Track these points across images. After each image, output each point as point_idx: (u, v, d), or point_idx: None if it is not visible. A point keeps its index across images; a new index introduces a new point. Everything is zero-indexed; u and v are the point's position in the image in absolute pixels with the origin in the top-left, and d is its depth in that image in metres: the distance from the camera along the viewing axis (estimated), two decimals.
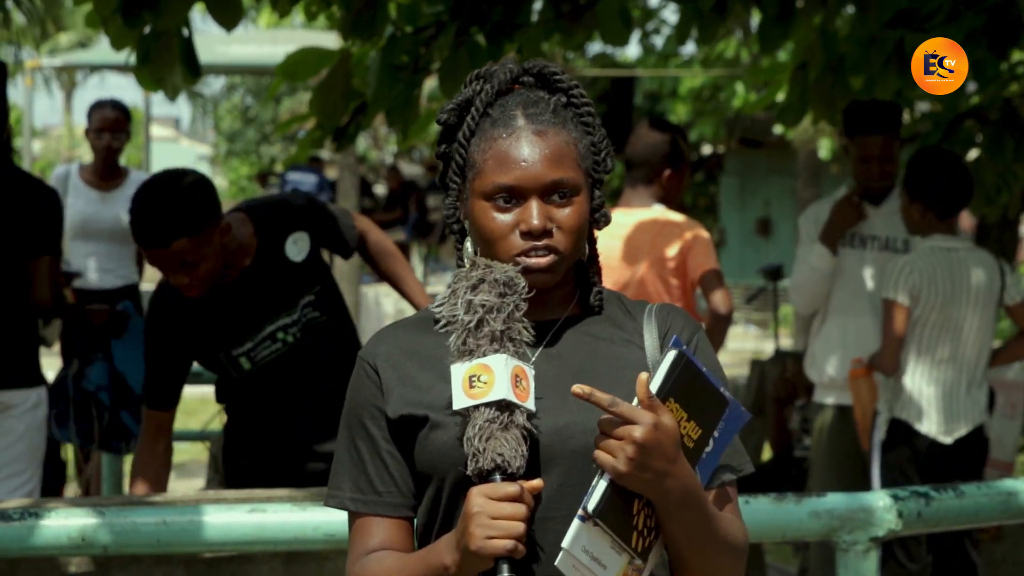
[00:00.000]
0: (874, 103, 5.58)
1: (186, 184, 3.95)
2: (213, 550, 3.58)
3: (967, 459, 5.19)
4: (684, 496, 1.97)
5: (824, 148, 18.30)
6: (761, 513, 3.55)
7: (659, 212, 5.11)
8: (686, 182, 5.25)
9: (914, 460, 5.18)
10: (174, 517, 3.44)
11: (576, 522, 1.94)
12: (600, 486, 1.94)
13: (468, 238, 2.14)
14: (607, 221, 2.16)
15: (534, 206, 2.06)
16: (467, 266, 2.06)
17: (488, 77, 2.14)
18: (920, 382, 5.20)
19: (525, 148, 2.07)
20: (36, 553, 3.46)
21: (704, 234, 5.08)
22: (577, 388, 1.94)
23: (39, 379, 5.05)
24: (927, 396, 5.19)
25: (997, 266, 5.29)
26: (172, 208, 3.86)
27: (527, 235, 2.06)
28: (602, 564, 1.95)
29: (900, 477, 5.13)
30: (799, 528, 3.66)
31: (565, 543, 1.93)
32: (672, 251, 5.00)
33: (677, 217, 5.12)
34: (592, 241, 2.18)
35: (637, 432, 1.92)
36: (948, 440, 5.17)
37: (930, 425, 5.17)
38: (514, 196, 2.07)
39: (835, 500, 3.65)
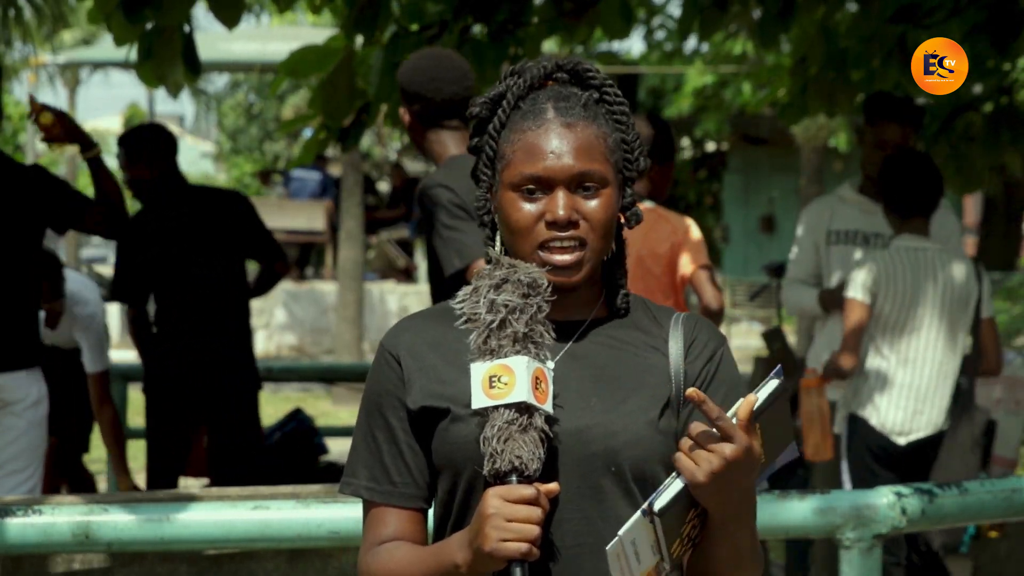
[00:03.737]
0: (899, 96, 5.60)
1: (434, 52, 4.49)
2: (217, 547, 3.58)
3: (920, 465, 5.16)
4: (741, 514, 1.99)
5: (841, 141, 18.30)
6: (764, 510, 3.53)
7: (649, 207, 5.11)
8: (682, 178, 5.26)
9: (872, 454, 5.18)
10: (178, 514, 3.44)
11: (638, 515, 1.93)
12: (674, 487, 1.93)
13: (498, 233, 2.13)
14: (638, 220, 2.15)
15: (560, 196, 2.06)
16: (491, 264, 2.05)
17: (522, 72, 2.14)
18: (877, 380, 5.19)
19: (554, 139, 2.06)
20: (40, 550, 3.46)
21: (695, 230, 5.09)
22: (692, 392, 1.93)
23: (38, 359, 5.04)
24: (883, 395, 5.17)
25: (973, 271, 5.26)
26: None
27: (552, 225, 2.05)
28: (639, 559, 1.95)
29: (865, 472, 5.13)
30: (802, 525, 3.66)
31: (622, 531, 1.92)
32: (663, 247, 5.00)
33: (667, 213, 5.13)
34: (621, 242, 2.18)
35: (728, 450, 1.91)
36: (902, 442, 5.16)
37: (883, 424, 5.17)
38: (541, 187, 2.06)
39: (838, 497, 3.65)
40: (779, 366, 2.04)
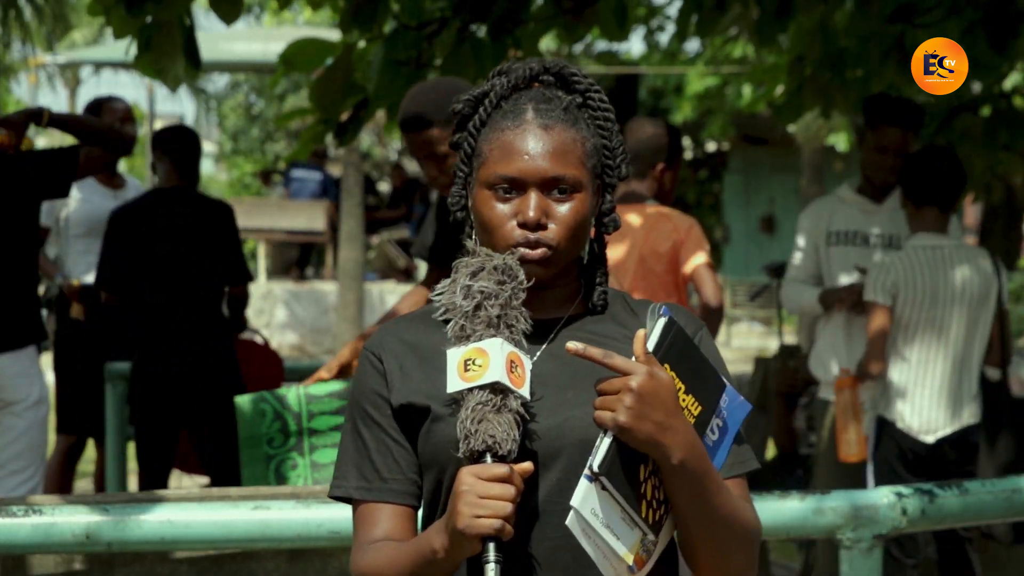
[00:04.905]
0: (899, 98, 5.61)
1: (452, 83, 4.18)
2: (217, 547, 3.58)
3: (952, 460, 5.17)
4: (687, 454, 1.97)
5: (842, 141, 18.29)
6: (765, 511, 3.53)
7: (652, 206, 5.12)
8: (682, 177, 5.28)
9: (901, 457, 5.18)
10: (178, 514, 3.43)
11: (584, 481, 1.94)
12: (604, 443, 1.95)
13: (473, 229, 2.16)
14: (616, 227, 2.18)
15: (532, 198, 2.09)
16: (468, 255, 2.08)
17: (507, 72, 2.17)
18: (901, 381, 5.19)
19: (530, 141, 2.09)
20: (40, 550, 3.46)
21: (697, 228, 5.10)
22: (571, 345, 1.98)
23: (37, 337, 5.05)
24: (907, 395, 5.18)
25: (991, 265, 5.26)
26: (434, 94, 4.06)
27: (523, 226, 2.09)
28: (615, 534, 1.95)
29: (890, 474, 5.14)
30: (803, 526, 3.65)
31: (574, 501, 1.93)
32: (664, 245, 5.01)
33: (669, 212, 5.14)
34: (603, 244, 2.20)
35: (634, 381, 1.94)
36: (929, 439, 5.16)
37: (910, 424, 5.17)
38: (514, 187, 2.10)
39: (839, 498, 3.64)
40: (663, 305, 2.07)
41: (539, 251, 2.08)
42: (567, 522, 1.94)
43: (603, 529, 1.94)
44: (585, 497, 1.93)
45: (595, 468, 1.93)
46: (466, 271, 2.05)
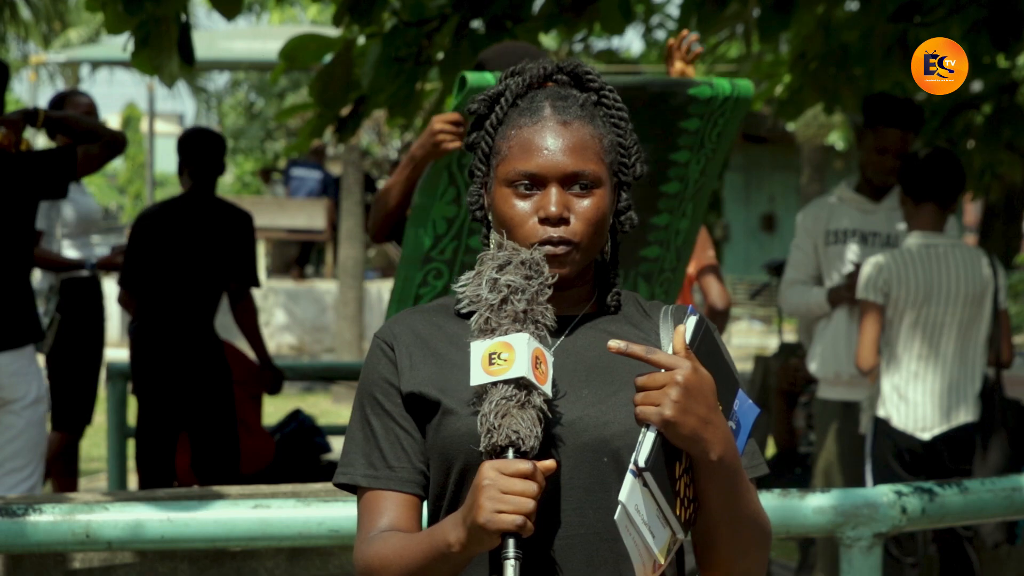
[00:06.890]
0: (899, 98, 5.60)
1: None
2: (217, 546, 3.58)
3: (948, 457, 5.17)
4: (725, 451, 1.96)
5: (840, 140, 18.28)
6: (765, 509, 3.54)
7: None
8: None
9: (897, 455, 5.18)
10: (179, 513, 3.44)
11: (629, 477, 1.92)
12: (648, 438, 1.93)
13: (492, 228, 2.15)
14: (633, 225, 2.17)
15: (553, 193, 2.08)
16: (493, 248, 2.07)
17: (522, 72, 2.17)
18: (896, 379, 5.19)
19: (549, 137, 2.09)
20: (40, 549, 3.46)
21: (703, 229, 5.08)
22: (613, 344, 1.95)
23: (34, 336, 5.05)
24: (902, 393, 5.18)
25: (988, 263, 5.25)
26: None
27: (545, 221, 2.08)
28: (651, 532, 1.94)
29: (886, 473, 5.14)
30: (803, 524, 3.65)
31: (622, 496, 1.91)
32: None
33: None
34: (615, 244, 2.19)
35: (679, 375, 1.92)
36: (925, 437, 5.16)
37: (905, 422, 5.17)
38: (535, 183, 2.09)
39: (839, 496, 3.64)
40: (691, 306, 2.07)
41: (561, 248, 2.07)
42: (615, 517, 1.92)
43: (643, 526, 1.93)
44: (631, 493, 1.92)
45: (640, 464, 1.91)
46: (492, 264, 2.03)
